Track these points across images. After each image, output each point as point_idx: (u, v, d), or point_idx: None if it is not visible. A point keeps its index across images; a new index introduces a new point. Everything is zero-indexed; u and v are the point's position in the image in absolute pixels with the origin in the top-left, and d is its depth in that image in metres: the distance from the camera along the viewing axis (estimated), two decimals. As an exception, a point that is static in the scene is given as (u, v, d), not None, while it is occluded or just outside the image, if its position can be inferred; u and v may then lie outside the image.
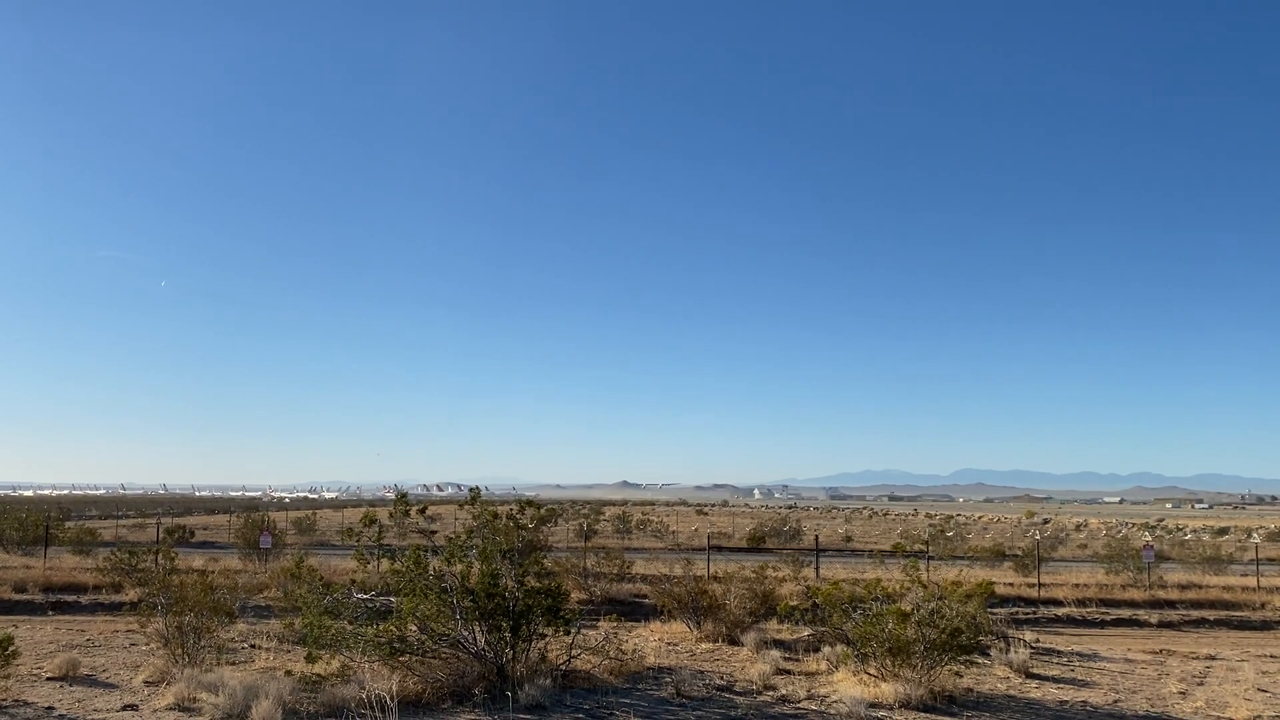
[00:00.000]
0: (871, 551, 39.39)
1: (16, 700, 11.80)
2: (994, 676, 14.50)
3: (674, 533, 58.98)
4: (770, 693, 12.95)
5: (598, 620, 18.53)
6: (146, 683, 12.88)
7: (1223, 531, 75.71)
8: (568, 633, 13.14)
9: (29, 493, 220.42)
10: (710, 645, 16.98)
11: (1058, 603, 25.19)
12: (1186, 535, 68.63)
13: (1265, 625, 23.57)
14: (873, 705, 12.06)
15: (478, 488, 15.10)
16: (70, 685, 12.85)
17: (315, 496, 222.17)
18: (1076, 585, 27.47)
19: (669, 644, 17.05)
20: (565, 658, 13.27)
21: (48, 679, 13.21)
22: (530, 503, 15.87)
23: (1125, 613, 24.38)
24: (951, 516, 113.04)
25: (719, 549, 40.82)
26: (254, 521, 37.16)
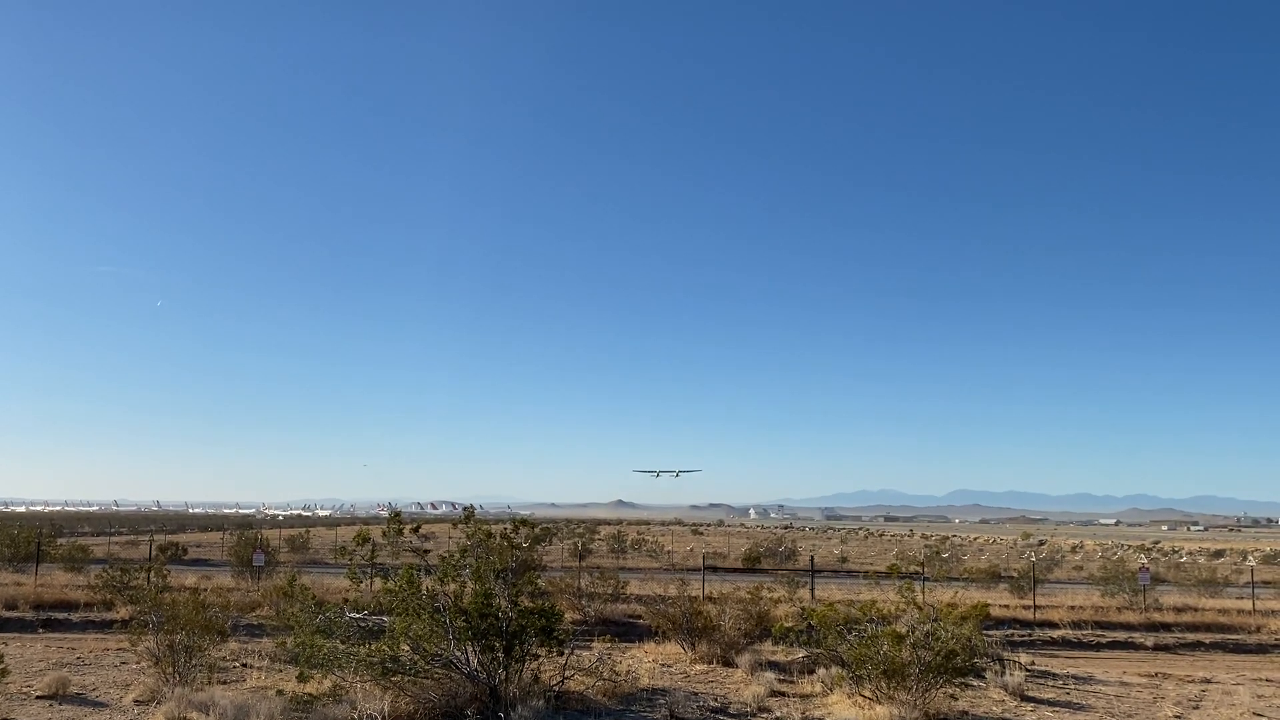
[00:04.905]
0: (867, 573, 39.13)
1: (5, 718, 11.73)
2: (989, 699, 14.46)
3: (669, 553, 58.82)
4: (764, 715, 12.91)
5: (592, 641, 18.46)
6: (137, 701, 12.82)
7: (1218, 554, 75.69)
8: (561, 653, 13.11)
9: (21, 509, 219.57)
10: (705, 667, 16.91)
11: (1053, 625, 25.13)
12: (1182, 557, 68.55)
13: (1261, 648, 23.55)
14: (867, 728, 12.02)
15: (472, 506, 15.16)
16: (60, 704, 12.78)
17: (309, 514, 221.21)
18: (1072, 607, 27.44)
19: (663, 665, 16.98)
20: (559, 679, 13.21)
21: (37, 697, 13.13)
22: (524, 522, 15.87)
23: (1121, 635, 24.34)
24: (947, 537, 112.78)
25: (714, 569, 40.73)
26: (247, 539, 37.04)
